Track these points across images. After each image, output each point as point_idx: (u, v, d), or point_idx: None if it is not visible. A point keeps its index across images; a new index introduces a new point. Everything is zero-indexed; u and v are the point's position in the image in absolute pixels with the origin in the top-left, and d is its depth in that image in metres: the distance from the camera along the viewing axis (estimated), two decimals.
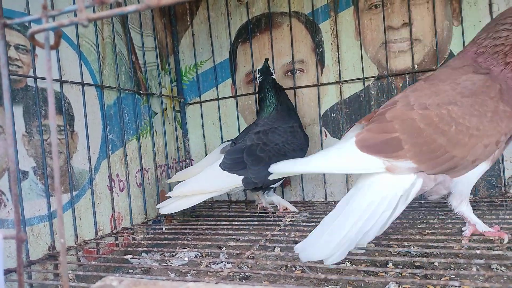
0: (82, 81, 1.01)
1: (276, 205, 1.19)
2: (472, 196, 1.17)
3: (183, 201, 1.07)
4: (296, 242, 0.91)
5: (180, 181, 1.11)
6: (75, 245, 0.94)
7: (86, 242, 0.97)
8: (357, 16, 1.28)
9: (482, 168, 0.74)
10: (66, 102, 0.97)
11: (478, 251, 0.73)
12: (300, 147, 1.15)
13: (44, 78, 0.87)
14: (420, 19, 1.21)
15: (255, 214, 1.16)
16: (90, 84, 1.05)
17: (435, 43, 1.19)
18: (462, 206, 0.79)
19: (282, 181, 1.19)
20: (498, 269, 0.77)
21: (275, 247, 0.91)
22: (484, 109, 0.70)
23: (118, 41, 1.18)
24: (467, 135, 0.69)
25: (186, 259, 0.87)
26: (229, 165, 1.11)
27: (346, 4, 1.29)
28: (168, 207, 1.06)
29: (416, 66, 1.22)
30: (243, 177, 1.09)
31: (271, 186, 1.15)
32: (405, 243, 0.78)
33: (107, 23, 1.13)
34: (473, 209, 1.01)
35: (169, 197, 1.09)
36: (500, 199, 1.11)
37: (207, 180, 1.09)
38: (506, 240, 0.74)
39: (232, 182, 1.09)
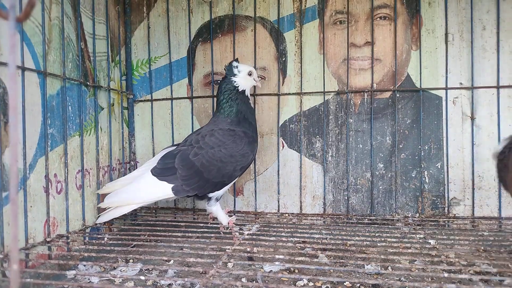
0: (23, 65, 0.88)
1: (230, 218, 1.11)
2: (418, 215, 1.21)
3: (115, 211, 1.02)
4: (250, 258, 0.87)
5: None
6: (1, 256, 0.80)
7: None
8: (322, 29, 1.28)
9: None
10: (1, 88, 0.83)
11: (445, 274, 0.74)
12: (240, 152, 1.04)
13: None
14: (382, 39, 1.24)
15: (208, 225, 1.09)
16: (31, 70, 0.91)
17: (394, 65, 1.23)
18: None
19: (224, 190, 1.08)
20: None
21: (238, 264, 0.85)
22: None
23: (67, 24, 1.05)
24: None
25: (130, 274, 0.78)
26: (159, 171, 1.01)
27: (312, 17, 1.29)
28: (100, 217, 1.04)
29: (375, 85, 1.24)
30: (173, 184, 1.00)
31: (209, 195, 1.06)
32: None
33: (56, 2, 1.00)
34: (420, 228, 1.04)
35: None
36: (443, 219, 1.17)
37: (138, 189, 1.02)
38: None
39: (163, 190, 1.00)
